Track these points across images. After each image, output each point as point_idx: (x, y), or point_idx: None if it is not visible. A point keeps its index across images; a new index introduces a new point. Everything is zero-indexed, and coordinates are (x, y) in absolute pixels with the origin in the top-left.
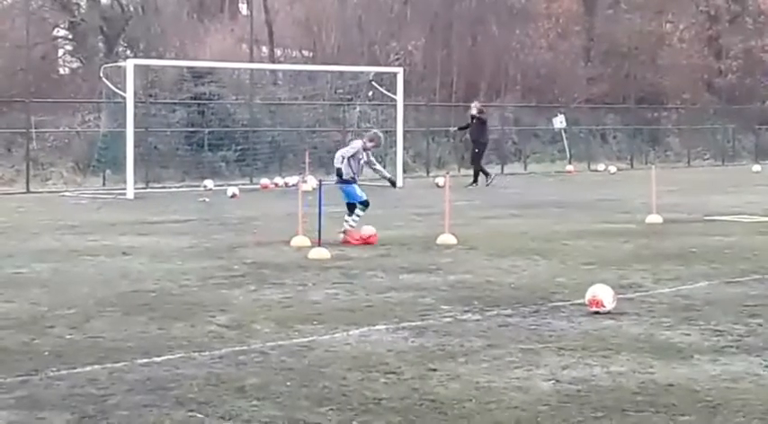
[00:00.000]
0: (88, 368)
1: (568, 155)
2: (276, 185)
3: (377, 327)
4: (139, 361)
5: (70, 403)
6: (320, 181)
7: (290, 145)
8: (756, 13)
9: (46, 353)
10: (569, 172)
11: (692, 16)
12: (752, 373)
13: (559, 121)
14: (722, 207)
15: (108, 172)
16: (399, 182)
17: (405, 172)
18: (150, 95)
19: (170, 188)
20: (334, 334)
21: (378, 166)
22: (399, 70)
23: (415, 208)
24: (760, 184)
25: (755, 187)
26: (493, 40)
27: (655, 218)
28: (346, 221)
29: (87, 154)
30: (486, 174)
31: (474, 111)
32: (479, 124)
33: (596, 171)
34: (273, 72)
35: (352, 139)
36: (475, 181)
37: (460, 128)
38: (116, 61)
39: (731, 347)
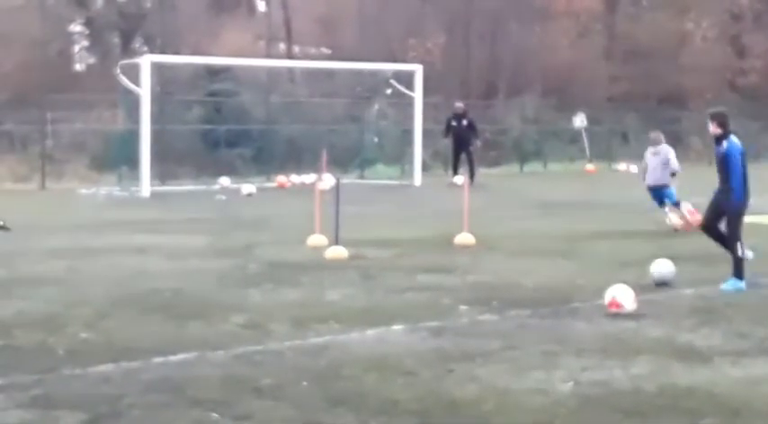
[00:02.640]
0: (103, 367)
1: (588, 155)
2: (293, 183)
3: (394, 327)
4: (155, 360)
5: (85, 402)
6: (338, 179)
7: (307, 142)
8: None
9: (61, 352)
10: (589, 171)
11: (714, 15)
12: None
13: (580, 120)
14: None
15: (124, 169)
16: (417, 181)
17: (423, 170)
18: (167, 92)
19: (186, 186)
20: (350, 334)
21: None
22: (418, 67)
23: (433, 208)
24: None
25: None
26: (513, 38)
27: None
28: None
29: (103, 152)
30: (455, 171)
31: (459, 111)
32: (469, 128)
33: (617, 170)
34: (291, 69)
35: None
36: (472, 176)
37: (446, 135)
38: (132, 58)
39: (753, 350)
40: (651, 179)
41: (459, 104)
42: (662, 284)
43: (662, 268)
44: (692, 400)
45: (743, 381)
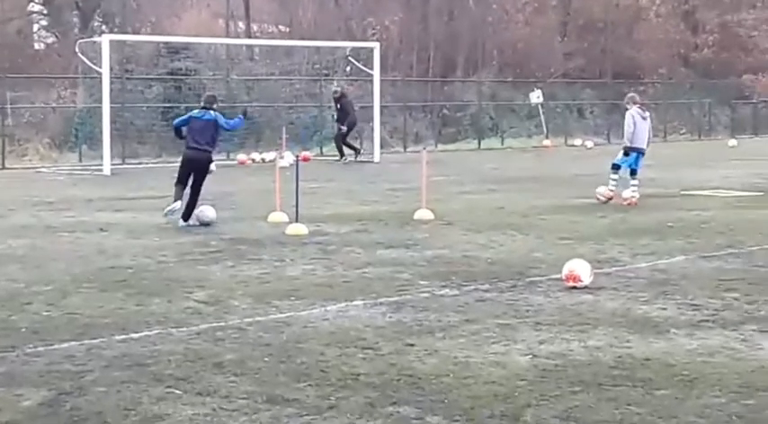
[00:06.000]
0: (65, 345)
1: (545, 130)
2: (253, 161)
3: (354, 303)
4: (117, 337)
5: (47, 380)
6: (297, 156)
7: (267, 120)
8: None
9: (23, 329)
10: (546, 147)
11: None
12: (728, 347)
13: (536, 96)
14: (699, 182)
15: (84, 147)
16: (376, 158)
17: (382, 147)
18: (126, 70)
19: (147, 164)
20: (311, 310)
21: None
22: (376, 45)
23: (392, 184)
24: (736, 159)
25: (731, 161)
26: (470, 15)
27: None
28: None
29: (63, 130)
30: (356, 150)
31: (335, 95)
32: (341, 111)
33: (573, 146)
34: (250, 47)
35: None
36: (342, 155)
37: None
38: (92, 36)
39: (707, 321)
40: (645, 141)
41: (334, 88)
42: (205, 224)
43: (204, 211)
44: (648, 371)
45: (698, 352)
